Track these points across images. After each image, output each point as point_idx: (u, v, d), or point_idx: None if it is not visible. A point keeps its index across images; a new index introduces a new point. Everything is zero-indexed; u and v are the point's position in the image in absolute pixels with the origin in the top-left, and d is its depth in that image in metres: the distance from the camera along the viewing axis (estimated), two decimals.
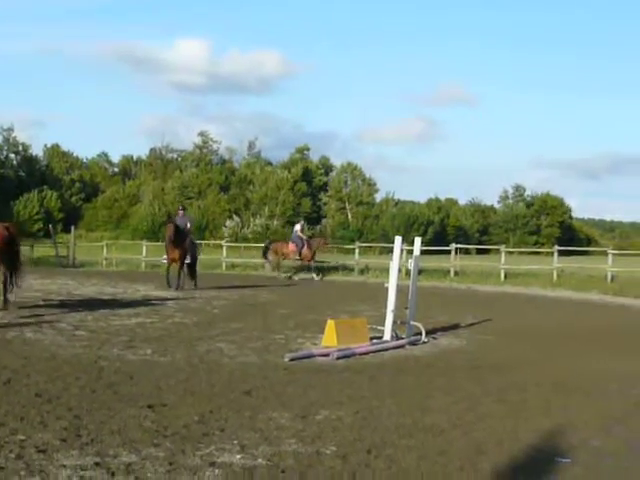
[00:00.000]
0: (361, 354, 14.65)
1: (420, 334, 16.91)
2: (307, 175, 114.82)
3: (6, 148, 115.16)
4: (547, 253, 52.90)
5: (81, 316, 18.85)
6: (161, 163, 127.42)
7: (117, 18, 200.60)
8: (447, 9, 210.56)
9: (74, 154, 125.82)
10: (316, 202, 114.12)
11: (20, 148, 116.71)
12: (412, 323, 17.09)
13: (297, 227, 42.16)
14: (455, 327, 19.62)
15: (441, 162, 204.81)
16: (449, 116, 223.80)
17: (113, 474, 6.78)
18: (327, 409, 9.67)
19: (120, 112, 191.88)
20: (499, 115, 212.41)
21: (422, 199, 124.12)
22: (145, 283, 31.08)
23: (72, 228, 54.55)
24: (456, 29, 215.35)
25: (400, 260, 17.84)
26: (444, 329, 18.99)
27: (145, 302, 23.29)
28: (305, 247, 40.27)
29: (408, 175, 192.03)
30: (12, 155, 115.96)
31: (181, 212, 30.65)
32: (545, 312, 25.39)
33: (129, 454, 7.37)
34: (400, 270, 18.87)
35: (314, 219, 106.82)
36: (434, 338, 17.40)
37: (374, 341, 16.09)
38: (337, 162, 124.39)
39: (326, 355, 14.10)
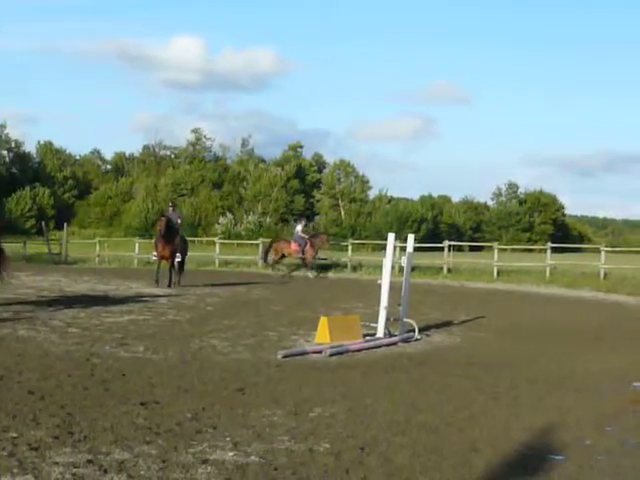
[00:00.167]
0: (354, 351, 14.66)
1: (413, 331, 16.92)
2: (300, 172, 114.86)
3: None
4: (540, 250, 53.08)
5: (74, 313, 18.82)
6: (154, 160, 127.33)
7: (112, 16, 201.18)
8: (441, 8, 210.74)
9: (67, 151, 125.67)
10: (309, 199, 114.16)
11: (13, 145, 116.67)
12: (405, 320, 17.10)
13: (299, 227, 42.01)
14: (448, 324, 19.63)
15: (434, 159, 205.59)
16: (443, 114, 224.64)
17: (105, 471, 6.77)
18: (320, 406, 9.66)
19: (114, 109, 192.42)
20: (492, 113, 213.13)
21: (415, 196, 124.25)
22: (138, 280, 31.03)
23: (65, 225, 54.49)
24: (450, 27, 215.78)
25: (393, 257, 17.84)
26: (437, 326, 19.00)
27: (138, 299, 23.24)
28: (308, 246, 40.19)
29: (401, 172, 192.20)
30: (4, 152, 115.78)
31: (171, 209, 30.38)
32: (538, 309, 25.40)
33: (122, 451, 7.36)
34: (393, 267, 18.86)
35: (307, 216, 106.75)
36: (427, 335, 17.41)
37: (367, 338, 16.09)
38: (330, 159, 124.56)
39: (319, 352, 14.11)
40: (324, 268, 42.32)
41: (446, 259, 43.05)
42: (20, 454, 7.12)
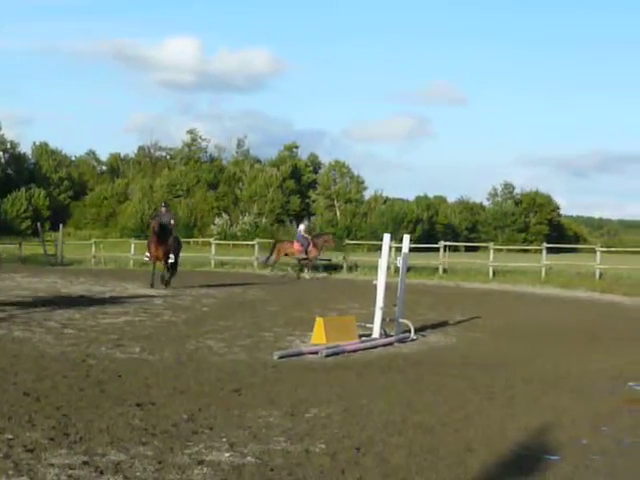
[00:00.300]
0: (350, 352, 14.66)
1: (409, 332, 16.92)
2: (296, 173, 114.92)
3: None
4: (536, 250, 53.02)
5: (69, 314, 18.81)
6: (150, 161, 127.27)
7: (107, 16, 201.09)
8: (436, 8, 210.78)
9: (62, 152, 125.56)
10: (305, 200, 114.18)
11: (8, 146, 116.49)
12: (401, 321, 17.10)
13: (301, 227, 41.96)
14: (444, 324, 19.64)
15: (430, 160, 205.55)
16: (438, 114, 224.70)
17: (101, 473, 6.76)
18: (316, 407, 9.66)
19: (109, 110, 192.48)
20: (488, 113, 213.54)
21: (411, 197, 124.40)
22: (134, 281, 31.01)
23: (60, 226, 54.43)
24: (445, 28, 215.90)
25: (389, 258, 17.85)
26: (433, 326, 19.02)
27: (134, 300, 23.23)
28: (311, 246, 40.13)
29: (397, 173, 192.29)
30: (0, 153, 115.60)
31: (164, 209, 30.09)
32: (533, 309, 25.41)
33: (117, 453, 7.35)
34: (389, 267, 18.85)
35: (303, 217, 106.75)
36: (423, 335, 17.42)
37: (363, 339, 16.09)
38: (326, 160, 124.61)
39: (315, 353, 14.11)
40: (324, 268, 42.18)
41: (442, 259, 43.06)
42: (15, 456, 7.12)
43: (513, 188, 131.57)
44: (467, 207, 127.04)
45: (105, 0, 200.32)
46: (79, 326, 16.83)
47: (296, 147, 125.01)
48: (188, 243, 64.37)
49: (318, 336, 15.32)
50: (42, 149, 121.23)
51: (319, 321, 15.54)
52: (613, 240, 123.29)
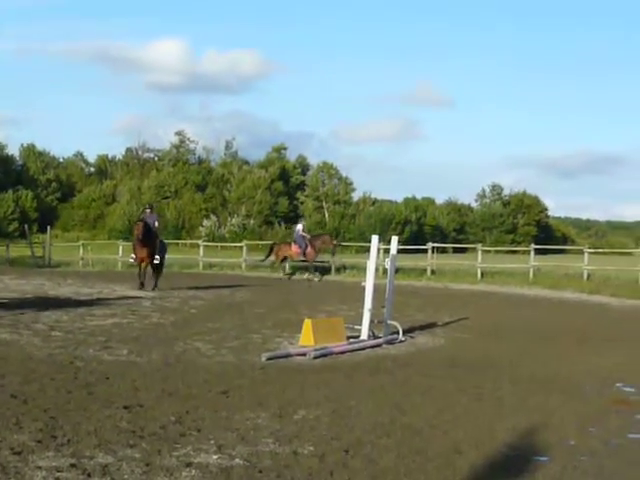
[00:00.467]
0: (338, 353, 14.65)
1: (397, 333, 16.92)
2: (284, 174, 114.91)
3: None
4: (524, 252, 53.08)
5: (57, 316, 18.74)
6: (138, 163, 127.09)
7: (94, 18, 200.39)
8: (424, 10, 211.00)
9: (50, 153, 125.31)
10: (293, 201, 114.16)
11: None
12: (389, 322, 17.10)
13: (299, 227, 41.79)
14: (432, 326, 19.64)
15: (418, 161, 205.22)
16: (426, 116, 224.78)
17: (89, 475, 6.75)
18: (304, 409, 9.66)
19: (97, 111, 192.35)
20: (476, 114, 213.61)
21: (399, 198, 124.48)
22: (121, 283, 30.92)
23: (48, 228, 54.34)
24: (432, 30, 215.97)
25: (377, 259, 17.85)
26: (421, 328, 19.02)
27: (121, 302, 23.16)
28: (309, 247, 40.04)
29: (385, 174, 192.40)
30: None
31: (148, 211, 29.94)
32: (522, 310, 25.44)
33: (105, 455, 7.33)
34: (377, 269, 18.86)
35: (291, 218, 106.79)
36: (411, 337, 17.42)
37: (351, 340, 16.08)
38: (314, 161, 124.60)
39: (303, 354, 14.10)
40: (319, 270, 42.05)
41: (430, 261, 43.13)
42: (3, 458, 7.09)
43: (501, 189, 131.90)
44: (455, 208, 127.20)
45: (92, 1, 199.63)
46: (67, 328, 16.78)
47: (284, 149, 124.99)
48: (176, 245, 64.35)
49: (306, 338, 15.31)
50: (29, 151, 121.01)
51: (307, 323, 15.53)
52: (601, 241, 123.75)
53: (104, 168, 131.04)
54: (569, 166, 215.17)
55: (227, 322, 19.05)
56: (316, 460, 7.46)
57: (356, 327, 16.69)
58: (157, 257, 28.19)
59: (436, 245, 46.36)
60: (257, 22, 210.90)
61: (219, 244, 66.59)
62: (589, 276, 37.85)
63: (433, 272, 42.06)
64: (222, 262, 48.89)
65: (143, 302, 23.35)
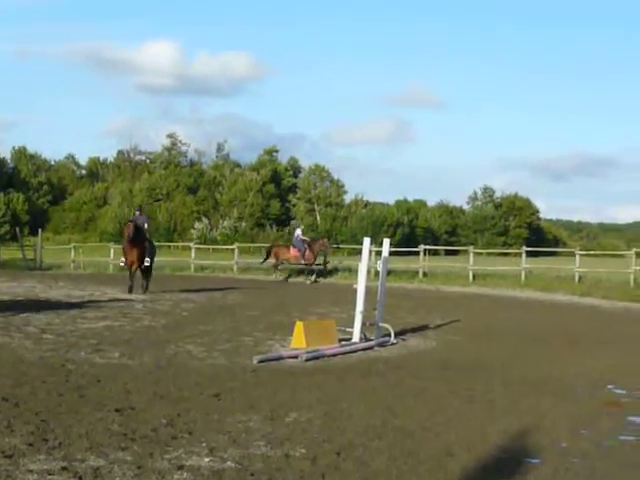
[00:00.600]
0: (330, 356, 14.65)
1: (389, 335, 16.93)
2: (276, 177, 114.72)
3: None
4: (515, 254, 53.13)
5: (48, 319, 18.73)
6: (129, 165, 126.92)
7: (85, 20, 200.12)
8: (416, 12, 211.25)
9: (41, 156, 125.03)
10: (285, 204, 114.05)
11: None
12: (381, 324, 17.10)
13: (298, 231, 41.97)
14: (424, 328, 19.65)
15: (410, 164, 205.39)
16: (418, 118, 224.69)
17: (80, 478, 6.73)
18: (296, 411, 9.65)
19: (88, 114, 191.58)
20: (468, 117, 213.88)
21: (391, 201, 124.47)
22: (113, 286, 30.88)
23: (39, 231, 54.17)
24: (424, 32, 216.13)
25: (369, 261, 17.86)
26: (413, 330, 19.02)
27: (113, 305, 23.16)
28: (307, 251, 40.08)
29: (377, 177, 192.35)
30: None
31: (138, 213, 29.89)
32: (513, 313, 25.49)
33: (97, 458, 7.32)
34: (369, 271, 18.87)
35: (283, 221, 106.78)
36: (403, 339, 17.42)
37: (343, 343, 16.08)
38: (306, 164, 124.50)
39: (295, 357, 14.09)
40: (317, 273, 41.95)
41: (422, 263, 43.14)
42: None
43: (493, 192, 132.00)
44: (447, 211, 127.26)
45: (83, 4, 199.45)
46: (58, 331, 16.77)
47: (276, 151, 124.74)
48: (168, 247, 64.31)
49: (298, 340, 15.31)
50: (21, 153, 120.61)
51: (299, 325, 15.52)
52: (592, 243, 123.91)
53: (95, 171, 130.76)
54: (561, 168, 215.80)
55: (219, 325, 19.04)
56: (308, 463, 7.46)
57: (348, 329, 16.69)
58: (147, 260, 28.09)
59: (428, 247, 46.36)
60: (249, 25, 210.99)
61: (211, 246, 66.63)
62: (580, 278, 37.90)
63: (425, 274, 42.09)
64: (214, 264, 48.92)
65: (135, 305, 23.34)
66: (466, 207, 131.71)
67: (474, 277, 40.29)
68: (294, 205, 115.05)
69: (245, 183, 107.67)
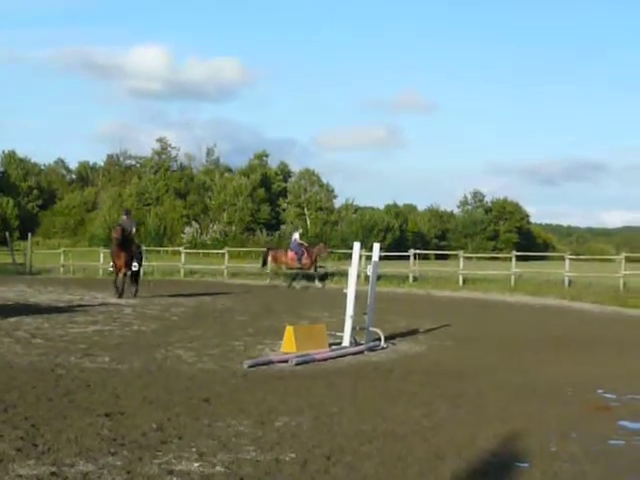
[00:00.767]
0: (320, 360, 14.64)
1: (379, 340, 16.93)
2: (266, 181, 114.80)
3: None
4: (505, 258, 53.26)
5: (38, 324, 18.70)
6: (119, 169, 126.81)
7: (75, 24, 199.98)
8: (404, 17, 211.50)
9: (31, 160, 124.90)
10: (275, 208, 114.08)
11: None
12: (371, 329, 17.10)
13: (296, 235, 41.87)
14: (414, 333, 19.66)
15: (400, 168, 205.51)
16: (407, 122, 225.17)
17: None
18: (286, 416, 9.65)
19: (78, 118, 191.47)
20: (457, 121, 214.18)
21: (381, 205, 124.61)
22: (103, 290, 30.82)
23: (29, 235, 54.12)
24: (413, 35, 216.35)
25: (359, 266, 17.86)
26: (403, 335, 19.03)
27: (103, 309, 23.13)
28: (305, 255, 40.02)
29: (367, 181, 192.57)
30: None
31: (125, 217, 29.50)
32: (503, 317, 25.51)
33: (86, 463, 7.30)
34: (359, 276, 18.88)
35: (273, 225, 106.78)
36: (393, 344, 17.43)
37: (333, 347, 16.08)
38: (296, 168, 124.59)
39: (285, 361, 14.09)
40: (324, 277, 41.82)
41: (412, 268, 43.16)
42: None
43: (483, 196, 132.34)
44: (437, 215, 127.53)
45: (72, 9, 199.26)
46: (48, 335, 16.73)
47: (266, 156, 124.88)
48: (158, 252, 64.23)
49: (288, 345, 15.30)
50: (10, 157, 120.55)
51: (289, 330, 15.51)
52: (582, 247, 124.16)
53: (85, 175, 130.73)
54: (550, 173, 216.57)
55: (209, 329, 19.03)
56: (298, 467, 7.45)
57: (338, 334, 16.69)
58: (135, 264, 27.96)
59: (418, 252, 46.38)
60: (238, 29, 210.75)
61: (201, 251, 66.52)
62: (570, 283, 37.98)
63: (415, 279, 42.12)
64: (204, 269, 48.88)
65: (124, 309, 23.31)
66: (456, 211, 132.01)
67: (464, 281, 40.34)
68: (284, 209, 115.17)
69: (235, 187, 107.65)
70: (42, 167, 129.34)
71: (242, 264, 52.90)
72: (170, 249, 67.17)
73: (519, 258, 43.58)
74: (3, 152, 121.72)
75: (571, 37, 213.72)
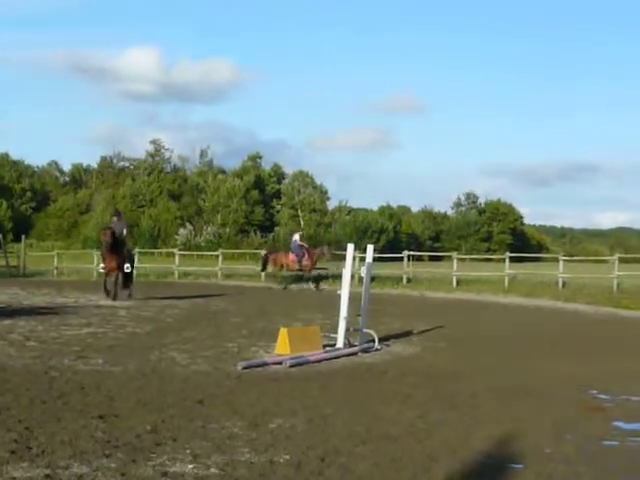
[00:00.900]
0: (314, 362, 14.64)
1: (373, 341, 16.93)
2: (259, 183, 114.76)
3: None
4: (499, 260, 53.27)
5: (32, 326, 18.68)
6: (112, 172, 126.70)
7: (67, 27, 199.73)
8: (397, 19, 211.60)
9: (24, 162, 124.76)
10: (269, 210, 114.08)
11: None
12: (365, 330, 17.10)
13: (296, 237, 41.82)
14: (408, 334, 19.66)
15: (393, 170, 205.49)
16: (401, 124, 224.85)
17: None
18: (280, 417, 9.65)
19: (71, 121, 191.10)
20: (451, 123, 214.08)
21: (374, 207, 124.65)
22: (97, 292, 30.71)
23: (23, 237, 54.03)
24: (406, 38, 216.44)
25: (353, 267, 17.86)
26: (397, 336, 19.03)
27: (97, 311, 23.12)
28: (306, 257, 40.00)
29: (360, 183, 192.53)
30: None
31: (116, 218, 29.24)
32: (497, 318, 25.54)
33: (80, 465, 7.30)
34: (353, 277, 18.87)
35: (267, 227, 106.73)
36: (387, 345, 17.43)
37: (327, 349, 16.07)
38: (289, 170, 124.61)
39: (279, 363, 14.08)
40: (318, 279, 41.74)
41: (406, 269, 43.18)
42: None
43: (476, 198, 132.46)
44: (430, 217, 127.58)
45: (65, 11, 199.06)
46: (41, 338, 16.72)
47: (260, 157, 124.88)
48: (152, 254, 64.17)
49: (282, 346, 15.29)
50: (3, 160, 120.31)
51: (283, 331, 15.51)
52: (576, 248, 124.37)
53: (79, 177, 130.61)
54: (544, 174, 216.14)
55: (203, 331, 19.02)
56: (292, 469, 7.45)
57: (332, 335, 16.69)
58: (127, 266, 27.78)
59: (412, 253, 46.45)
60: (231, 31, 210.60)
61: (195, 253, 66.47)
62: (564, 284, 38.01)
63: (409, 280, 42.13)
64: (198, 271, 48.88)
65: (118, 311, 23.29)
66: (450, 213, 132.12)
67: (458, 283, 40.35)
68: (278, 211, 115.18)
69: (229, 189, 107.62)
70: (35, 169, 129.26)
71: (236, 266, 52.92)
72: (164, 251, 67.09)
73: (513, 259, 43.62)
74: None
75: (565, 39, 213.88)
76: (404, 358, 15.90)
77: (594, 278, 39.20)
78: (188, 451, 7.93)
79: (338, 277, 41.50)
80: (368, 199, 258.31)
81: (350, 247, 17.36)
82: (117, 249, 27.37)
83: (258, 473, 7.29)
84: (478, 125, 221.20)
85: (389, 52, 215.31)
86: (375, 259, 19.48)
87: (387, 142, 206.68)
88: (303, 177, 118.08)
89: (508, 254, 42.83)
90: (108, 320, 20.76)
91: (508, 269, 40.76)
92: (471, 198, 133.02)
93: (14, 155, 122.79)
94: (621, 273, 37.32)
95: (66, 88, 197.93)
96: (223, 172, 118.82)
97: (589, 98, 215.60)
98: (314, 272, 41.86)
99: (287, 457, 7.86)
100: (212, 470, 7.32)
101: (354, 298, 16.97)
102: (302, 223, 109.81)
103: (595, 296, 33.14)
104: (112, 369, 13.12)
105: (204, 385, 11.89)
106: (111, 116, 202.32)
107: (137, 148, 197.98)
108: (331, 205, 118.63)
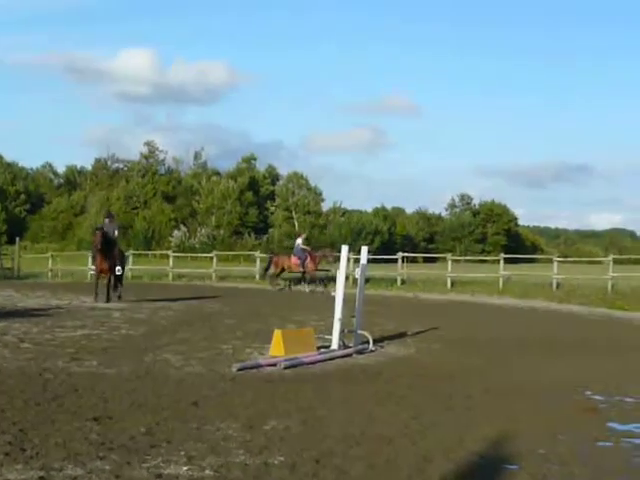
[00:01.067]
0: (308, 363, 14.63)
1: (367, 343, 16.92)
2: (254, 185, 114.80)
3: None
4: (493, 261, 53.27)
5: (26, 328, 18.66)
6: (106, 173, 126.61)
7: (61, 29, 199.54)
8: (390, 19, 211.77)
9: (18, 165, 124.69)
10: (263, 212, 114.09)
11: None
12: (359, 332, 17.09)
13: (299, 240, 41.86)
14: (402, 335, 19.66)
15: (387, 171, 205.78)
16: (395, 126, 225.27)
17: None
18: (275, 419, 9.64)
19: (65, 123, 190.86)
20: (444, 124, 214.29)
21: (369, 208, 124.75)
22: (91, 295, 30.69)
23: (17, 239, 54.06)
24: (400, 38, 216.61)
25: (347, 269, 17.86)
26: (391, 338, 19.03)
27: (91, 313, 23.10)
28: (308, 259, 40.03)
29: (355, 184, 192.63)
30: None
31: (107, 220, 28.94)
32: (492, 320, 25.54)
33: (74, 467, 7.29)
34: (347, 279, 18.87)
35: (261, 229, 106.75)
36: (381, 347, 17.42)
37: (321, 350, 16.06)
38: (284, 172, 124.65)
39: (274, 365, 14.07)
40: (313, 281, 41.65)
41: (400, 270, 43.21)
42: None
43: (471, 199, 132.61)
44: (425, 218, 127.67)
45: (58, 13, 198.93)
46: (36, 340, 16.70)
47: (254, 159, 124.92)
48: (146, 256, 64.16)
49: (276, 348, 15.27)
50: None
51: (277, 333, 15.49)
52: (570, 250, 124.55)
53: (73, 179, 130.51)
54: (538, 175, 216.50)
55: (197, 333, 19.00)
56: (287, 471, 7.45)
57: (326, 337, 16.69)
58: (119, 268, 27.71)
59: (406, 255, 46.48)
60: (225, 32, 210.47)
61: (189, 254, 66.50)
62: (558, 285, 38.03)
63: (403, 282, 42.16)
64: (192, 273, 48.86)
65: (112, 313, 23.28)
66: (444, 214, 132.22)
67: (452, 284, 40.38)
68: (272, 213, 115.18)
69: (223, 191, 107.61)
70: (30, 171, 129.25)
71: (230, 267, 52.92)
72: (158, 253, 67.14)
73: (507, 260, 43.64)
74: None
75: (557, 40, 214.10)
76: (398, 359, 15.90)
77: (588, 279, 39.23)
78: (182, 453, 7.92)
79: (332, 279, 41.98)
80: (362, 201, 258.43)
81: (344, 248, 17.36)
82: (109, 251, 27.27)
83: (253, 475, 7.28)
84: (472, 126, 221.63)
85: (382, 54, 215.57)
86: (369, 261, 19.47)
87: (381, 143, 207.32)
88: (297, 178, 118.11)
89: (502, 255, 42.83)
90: (102, 322, 20.74)
91: (502, 270, 40.78)
92: (465, 199, 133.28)
93: (8, 157, 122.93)
94: (615, 274, 37.35)
95: (60, 89, 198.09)
96: (217, 174, 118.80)
97: (583, 99, 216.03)
98: (321, 274, 41.90)
99: (282, 459, 7.86)
100: (207, 472, 7.31)
101: (348, 300, 16.97)
102: (296, 225, 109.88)
103: (589, 297, 33.19)
104: (106, 371, 13.11)
105: (198, 387, 11.88)
106: (105, 117, 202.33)
107: (131, 150, 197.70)
108: (325, 207, 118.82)
